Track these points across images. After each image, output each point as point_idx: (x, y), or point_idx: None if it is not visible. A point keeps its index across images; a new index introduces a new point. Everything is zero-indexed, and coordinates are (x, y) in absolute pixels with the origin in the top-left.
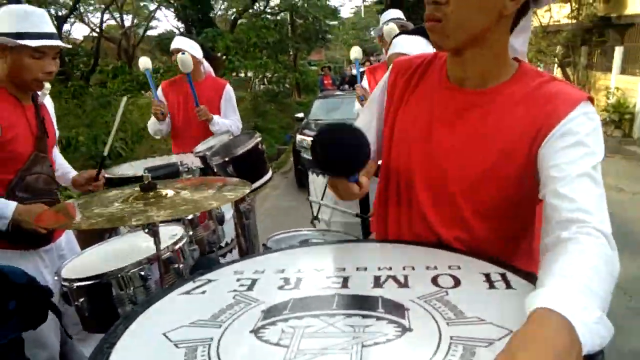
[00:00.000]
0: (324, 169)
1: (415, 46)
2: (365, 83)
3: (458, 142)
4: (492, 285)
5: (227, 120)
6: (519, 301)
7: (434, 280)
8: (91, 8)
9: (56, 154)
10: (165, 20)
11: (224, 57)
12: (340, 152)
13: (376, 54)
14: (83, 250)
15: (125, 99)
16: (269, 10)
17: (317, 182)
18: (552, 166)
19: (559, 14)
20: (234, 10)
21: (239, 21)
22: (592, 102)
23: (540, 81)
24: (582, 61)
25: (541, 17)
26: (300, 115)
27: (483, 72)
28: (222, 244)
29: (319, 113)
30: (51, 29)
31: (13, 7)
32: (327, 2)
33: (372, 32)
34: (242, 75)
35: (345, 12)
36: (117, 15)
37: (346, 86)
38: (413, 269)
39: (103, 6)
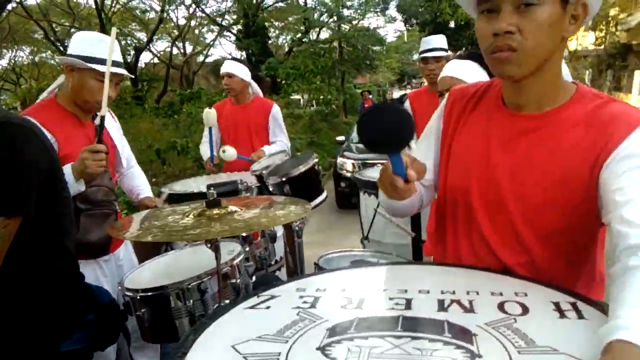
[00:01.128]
0: (368, 143)
1: (467, 71)
2: (407, 106)
3: (517, 167)
4: (562, 315)
5: (275, 145)
6: (592, 332)
7: (501, 307)
8: (155, 37)
9: (135, 174)
10: (220, 48)
11: (283, 82)
12: (382, 125)
13: (418, 76)
14: (142, 262)
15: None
16: (321, 38)
17: (368, 202)
18: (615, 190)
19: (583, 41)
20: (289, 39)
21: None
22: None
23: (598, 103)
24: (607, 84)
25: (569, 42)
26: (341, 138)
27: (541, 96)
28: (272, 262)
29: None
30: (118, 57)
31: (87, 33)
32: (375, 31)
33: (414, 57)
34: (295, 97)
35: (389, 36)
36: (179, 43)
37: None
38: (477, 294)
39: (170, 39)
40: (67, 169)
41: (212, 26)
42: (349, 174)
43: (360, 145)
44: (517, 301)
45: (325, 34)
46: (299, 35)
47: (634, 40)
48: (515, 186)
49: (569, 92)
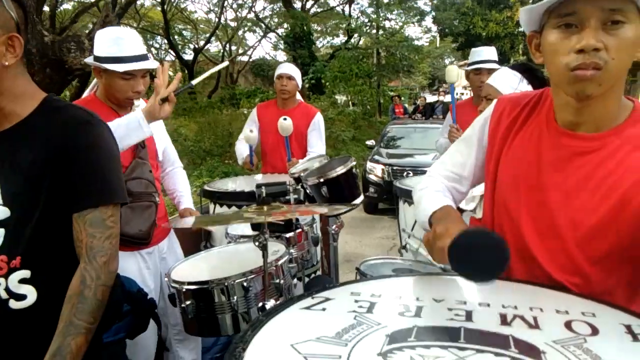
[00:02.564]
0: (466, 274)
1: (508, 82)
2: (448, 118)
3: (571, 190)
4: (635, 338)
5: (310, 154)
6: None
7: (568, 326)
8: (201, 37)
9: (177, 175)
10: (260, 48)
11: (328, 83)
12: (479, 256)
13: (464, 86)
14: (186, 256)
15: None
16: (361, 45)
17: (407, 211)
18: None
19: None
20: (329, 44)
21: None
22: None
23: None
24: None
25: None
26: (371, 142)
27: (602, 117)
28: (311, 265)
29: (390, 142)
30: (140, 50)
31: (106, 31)
32: (413, 42)
33: (446, 61)
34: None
35: (422, 40)
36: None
37: (418, 115)
38: (541, 310)
39: (217, 39)
40: (138, 113)
41: (254, 27)
42: (377, 179)
43: (391, 151)
44: (585, 321)
45: (363, 40)
46: (342, 40)
47: None
48: (569, 211)
49: (627, 110)
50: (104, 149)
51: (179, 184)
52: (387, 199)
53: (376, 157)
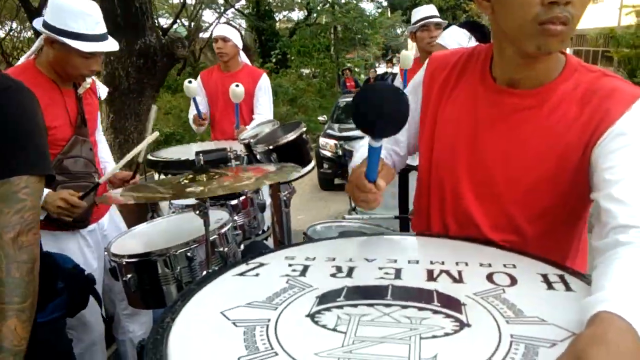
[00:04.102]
0: (362, 121)
1: (456, 40)
2: (398, 83)
3: (508, 148)
4: (550, 286)
5: (258, 116)
6: (579, 303)
7: (489, 278)
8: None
9: (101, 147)
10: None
11: (293, 57)
12: (382, 108)
13: (401, 50)
14: (130, 228)
15: (154, 107)
16: (319, 22)
17: None
18: (606, 169)
19: None
20: (287, 18)
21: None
22: None
23: (592, 77)
24: None
25: None
26: (323, 118)
27: (542, 74)
28: (259, 232)
29: (341, 116)
30: (103, 29)
31: (68, 1)
32: (368, 17)
33: (397, 31)
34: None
35: (373, 11)
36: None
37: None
38: (466, 264)
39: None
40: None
41: (211, 4)
42: (331, 154)
43: (343, 125)
44: (506, 272)
45: (323, 18)
46: (299, 15)
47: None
48: (506, 169)
49: (561, 64)
50: (24, 116)
51: (102, 151)
52: (342, 174)
53: (329, 131)
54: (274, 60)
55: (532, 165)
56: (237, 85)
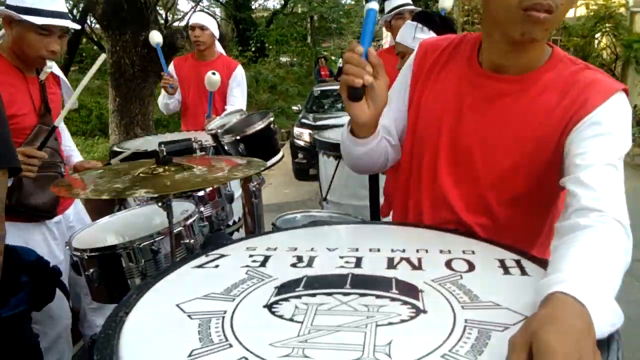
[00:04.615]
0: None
1: (408, 33)
2: None
3: (489, 131)
4: (507, 271)
5: (232, 106)
6: (534, 288)
7: (448, 264)
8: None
9: (64, 135)
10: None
11: (271, 47)
12: None
13: (376, 39)
14: (93, 221)
15: (103, 55)
16: (298, 12)
17: (327, 163)
18: (578, 154)
19: None
20: (262, 7)
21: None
22: (627, 93)
23: (575, 69)
24: None
25: None
26: (298, 107)
27: (528, 61)
28: (230, 222)
29: (316, 105)
30: (62, 7)
31: None
32: (343, 7)
33: (379, 20)
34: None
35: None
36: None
37: (344, 77)
38: (427, 252)
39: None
40: None
41: None
42: (305, 144)
43: (317, 115)
44: (464, 258)
45: (299, 7)
46: (275, 4)
47: None
48: (485, 150)
49: (546, 54)
50: None
51: (66, 139)
52: (317, 165)
53: (303, 120)
54: (252, 49)
55: (511, 149)
56: (213, 73)
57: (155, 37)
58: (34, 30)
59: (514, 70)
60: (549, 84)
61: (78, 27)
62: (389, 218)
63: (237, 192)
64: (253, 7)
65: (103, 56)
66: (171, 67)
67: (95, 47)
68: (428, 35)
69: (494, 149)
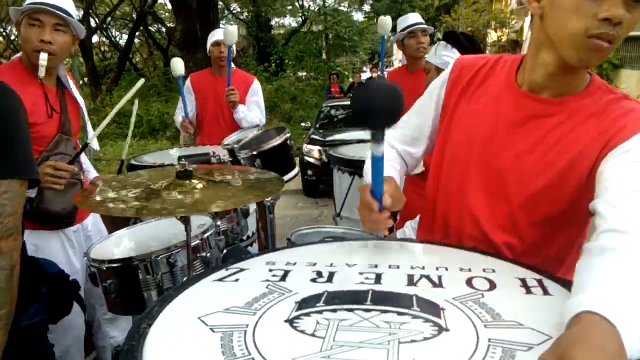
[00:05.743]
0: (360, 117)
1: (434, 52)
2: None
3: (522, 152)
4: (528, 291)
5: (251, 113)
6: (557, 307)
7: (469, 282)
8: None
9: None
10: None
11: (290, 62)
12: (376, 100)
13: (387, 55)
14: (111, 233)
15: (141, 80)
16: (314, 30)
17: (342, 179)
18: (609, 179)
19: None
20: (279, 24)
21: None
22: None
23: (612, 97)
24: None
25: None
26: (307, 124)
27: (569, 85)
28: (244, 237)
29: (326, 122)
30: (59, 2)
31: None
32: (357, 24)
33: (391, 37)
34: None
35: (359, 16)
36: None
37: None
38: (446, 269)
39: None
40: None
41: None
42: (315, 161)
43: (327, 131)
44: (485, 277)
45: (315, 26)
46: (290, 21)
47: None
48: (517, 171)
49: (586, 81)
50: (6, 118)
51: (82, 156)
52: (327, 181)
53: (313, 137)
54: (273, 64)
55: (543, 171)
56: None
57: (177, 69)
58: (28, 23)
59: (553, 92)
60: (586, 110)
61: (74, 19)
62: (402, 230)
63: (252, 206)
64: (271, 23)
65: (141, 81)
66: (188, 83)
67: (135, 72)
68: (451, 52)
69: (525, 168)
